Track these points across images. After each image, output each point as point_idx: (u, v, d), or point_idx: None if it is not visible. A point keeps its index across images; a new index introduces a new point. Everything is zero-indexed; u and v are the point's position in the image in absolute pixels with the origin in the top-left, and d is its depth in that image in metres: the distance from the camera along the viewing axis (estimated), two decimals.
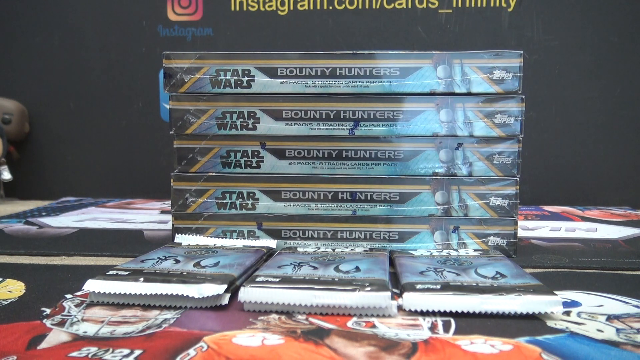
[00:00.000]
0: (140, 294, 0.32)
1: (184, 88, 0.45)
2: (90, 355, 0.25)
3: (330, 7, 0.78)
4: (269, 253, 0.42)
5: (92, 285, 0.32)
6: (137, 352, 0.26)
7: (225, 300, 0.32)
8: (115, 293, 0.32)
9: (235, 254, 0.40)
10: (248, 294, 0.31)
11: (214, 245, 0.43)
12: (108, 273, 0.34)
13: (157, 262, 0.37)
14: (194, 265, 0.36)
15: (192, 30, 0.81)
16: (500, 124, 0.43)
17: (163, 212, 0.68)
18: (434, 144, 0.44)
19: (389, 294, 0.30)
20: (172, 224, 0.46)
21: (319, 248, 0.44)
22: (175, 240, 0.45)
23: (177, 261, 0.37)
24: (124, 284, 0.32)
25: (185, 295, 0.31)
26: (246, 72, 0.45)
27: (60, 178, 0.85)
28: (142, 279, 0.32)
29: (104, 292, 0.32)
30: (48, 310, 0.31)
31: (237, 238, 0.46)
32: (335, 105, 0.44)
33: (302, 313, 0.31)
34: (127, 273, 0.34)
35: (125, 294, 0.32)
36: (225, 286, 0.32)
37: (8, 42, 0.85)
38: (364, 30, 0.78)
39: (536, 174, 0.77)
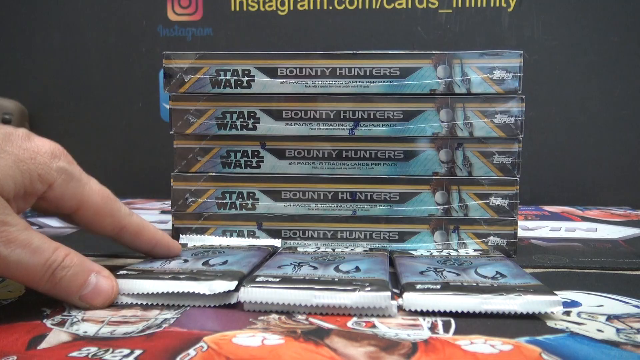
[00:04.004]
0: (151, 292, 0.32)
1: (184, 88, 0.45)
2: (90, 355, 0.25)
3: (330, 7, 0.78)
4: (273, 252, 0.42)
5: None
6: (137, 352, 0.26)
7: (234, 299, 0.32)
8: (125, 293, 0.32)
9: (242, 252, 0.40)
10: (248, 294, 0.31)
11: (220, 245, 0.43)
12: (118, 273, 0.34)
13: (165, 261, 0.37)
14: (203, 264, 0.36)
15: (192, 30, 0.81)
16: (500, 124, 0.43)
17: (163, 212, 0.68)
18: (434, 144, 0.44)
19: (389, 294, 0.30)
20: (172, 224, 0.46)
21: (319, 248, 0.44)
22: (180, 241, 0.45)
23: (186, 260, 0.37)
24: (134, 282, 0.32)
25: (196, 292, 0.31)
26: (246, 72, 0.45)
27: None
28: (152, 278, 0.33)
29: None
30: (48, 310, 0.31)
31: (238, 238, 0.46)
32: (335, 105, 0.44)
33: (302, 313, 0.31)
34: (137, 273, 0.34)
35: (135, 293, 0.32)
36: (236, 282, 0.32)
37: (8, 42, 0.85)
38: (364, 30, 0.78)
39: (536, 174, 0.77)
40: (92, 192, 0.34)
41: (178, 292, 0.32)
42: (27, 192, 0.31)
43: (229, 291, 0.32)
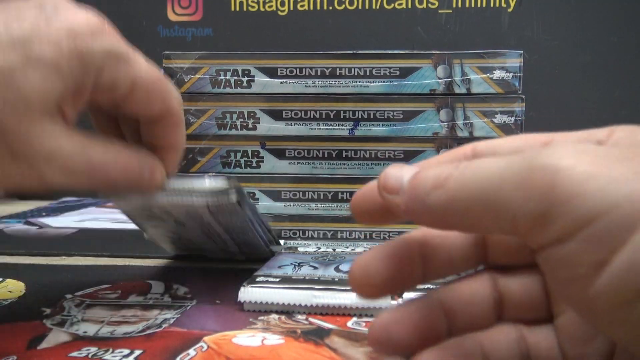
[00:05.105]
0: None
1: (184, 88, 0.45)
2: (90, 355, 0.25)
3: (330, 7, 0.78)
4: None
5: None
6: (137, 352, 0.26)
7: (234, 198, 0.31)
8: None
9: None
10: (248, 294, 0.31)
11: None
12: None
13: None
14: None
15: (192, 31, 0.81)
16: (501, 124, 0.43)
17: None
18: (434, 144, 0.44)
19: None
20: None
21: (319, 248, 0.44)
22: None
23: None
24: None
25: (194, 188, 0.30)
26: (246, 72, 0.45)
27: None
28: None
29: None
30: (48, 310, 0.31)
31: None
32: (335, 105, 0.44)
33: (302, 313, 0.31)
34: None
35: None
36: (226, 181, 0.31)
37: None
38: (364, 30, 0.78)
39: None
40: (144, 71, 0.28)
41: (176, 188, 0.30)
42: (77, 89, 0.25)
43: (226, 192, 0.30)
